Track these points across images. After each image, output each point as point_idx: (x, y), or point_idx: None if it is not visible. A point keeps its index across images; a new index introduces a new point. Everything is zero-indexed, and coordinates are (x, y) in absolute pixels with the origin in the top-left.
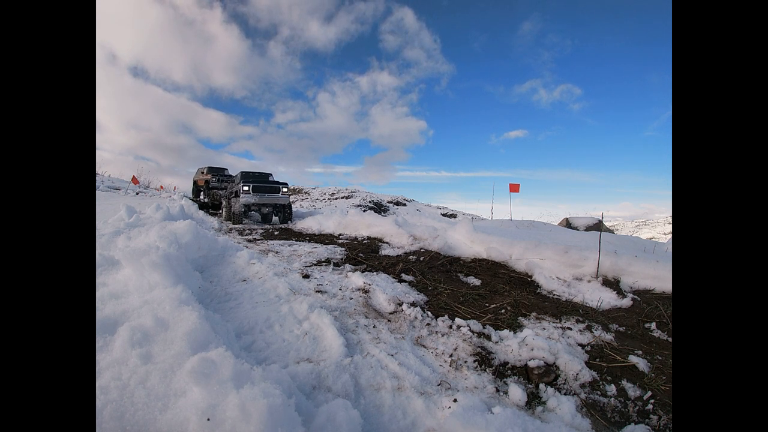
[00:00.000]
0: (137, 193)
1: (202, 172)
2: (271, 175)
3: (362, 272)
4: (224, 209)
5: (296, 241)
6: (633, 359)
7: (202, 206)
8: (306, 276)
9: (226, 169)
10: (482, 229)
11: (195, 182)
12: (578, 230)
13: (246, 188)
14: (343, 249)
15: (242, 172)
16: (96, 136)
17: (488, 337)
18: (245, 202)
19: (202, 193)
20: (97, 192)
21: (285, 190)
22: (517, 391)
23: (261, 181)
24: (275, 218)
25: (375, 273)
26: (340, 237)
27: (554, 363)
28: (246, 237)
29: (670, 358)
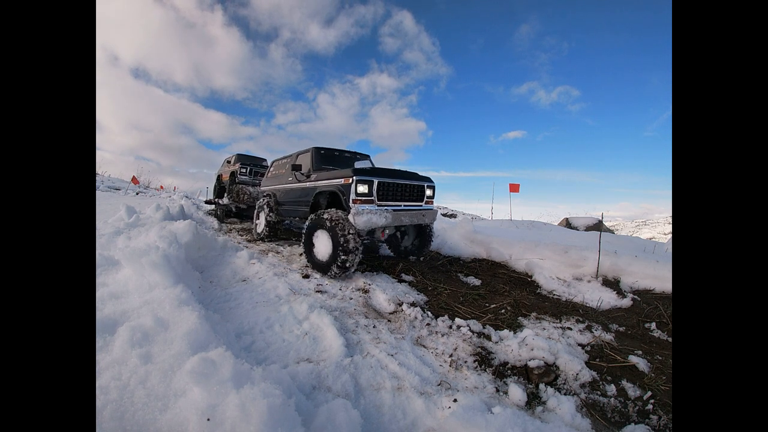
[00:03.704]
0: (137, 193)
1: (228, 162)
2: (368, 157)
3: (362, 272)
4: (263, 223)
5: (296, 241)
6: (633, 359)
7: (224, 213)
8: (306, 276)
9: (265, 160)
10: (482, 229)
11: (218, 178)
12: (578, 230)
13: (363, 189)
14: None
15: (316, 150)
16: (96, 137)
17: (488, 337)
18: (370, 225)
19: (226, 193)
20: (97, 192)
21: (430, 193)
22: (517, 391)
23: (386, 173)
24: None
25: (375, 273)
26: None
27: (554, 363)
28: (246, 237)
29: (670, 358)
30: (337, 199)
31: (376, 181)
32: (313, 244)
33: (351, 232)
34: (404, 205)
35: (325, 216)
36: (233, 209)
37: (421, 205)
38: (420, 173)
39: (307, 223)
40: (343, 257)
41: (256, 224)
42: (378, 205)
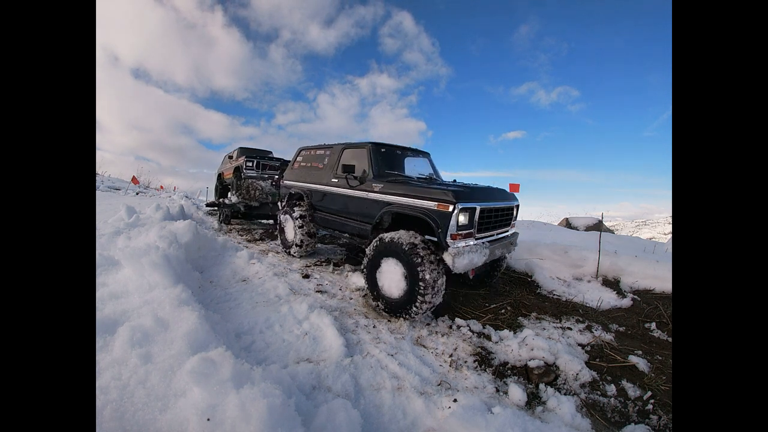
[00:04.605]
0: (137, 193)
1: (230, 157)
2: (427, 156)
3: (362, 272)
4: (293, 234)
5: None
6: (633, 359)
7: (231, 214)
8: (306, 276)
9: (270, 152)
10: None
11: (219, 176)
12: (578, 230)
13: (464, 219)
14: (343, 249)
15: (375, 148)
16: (96, 137)
17: (488, 337)
18: (470, 267)
19: (230, 191)
20: (97, 192)
21: (515, 214)
22: (517, 391)
23: (480, 193)
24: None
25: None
26: (341, 237)
27: (554, 363)
28: (246, 237)
29: (670, 358)
30: (412, 221)
31: (478, 209)
32: (378, 273)
33: (442, 273)
34: (497, 234)
35: (410, 249)
36: (242, 209)
37: (508, 231)
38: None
39: (372, 248)
40: (424, 303)
41: (283, 235)
42: (476, 236)
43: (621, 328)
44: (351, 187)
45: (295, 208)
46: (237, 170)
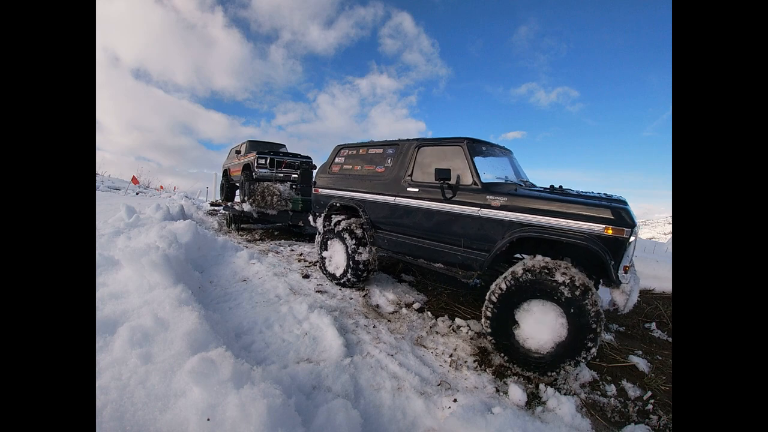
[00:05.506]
0: (137, 193)
1: (238, 152)
2: (509, 154)
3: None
4: (347, 261)
5: (296, 241)
6: (633, 359)
7: (241, 218)
8: (306, 276)
9: (284, 146)
10: None
11: (225, 172)
12: None
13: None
14: None
15: (473, 146)
16: (96, 137)
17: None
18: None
19: (240, 193)
20: (97, 192)
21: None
22: (517, 391)
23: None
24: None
25: (374, 273)
26: None
27: None
28: (246, 237)
29: (670, 358)
30: (542, 247)
31: (636, 229)
32: (517, 317)
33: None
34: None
35: (582, 292)
36: (255, 215)
37: None
38: None
39: (510, 284)
40: (586, 356)
41: (326, 258)
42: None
43: (621, 328)
44: (447, 200)
45: (346, 227)
46: (247, 168)
